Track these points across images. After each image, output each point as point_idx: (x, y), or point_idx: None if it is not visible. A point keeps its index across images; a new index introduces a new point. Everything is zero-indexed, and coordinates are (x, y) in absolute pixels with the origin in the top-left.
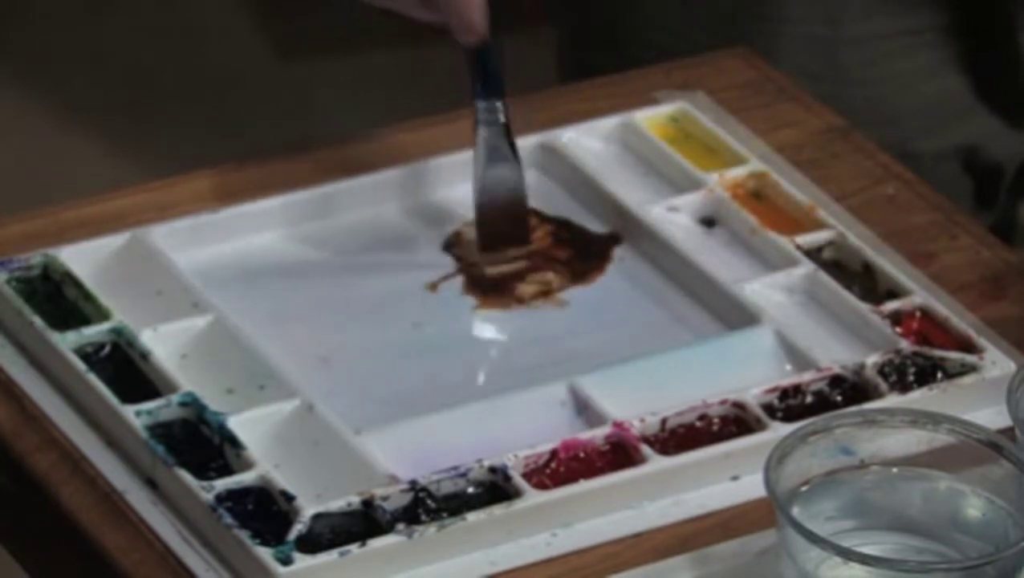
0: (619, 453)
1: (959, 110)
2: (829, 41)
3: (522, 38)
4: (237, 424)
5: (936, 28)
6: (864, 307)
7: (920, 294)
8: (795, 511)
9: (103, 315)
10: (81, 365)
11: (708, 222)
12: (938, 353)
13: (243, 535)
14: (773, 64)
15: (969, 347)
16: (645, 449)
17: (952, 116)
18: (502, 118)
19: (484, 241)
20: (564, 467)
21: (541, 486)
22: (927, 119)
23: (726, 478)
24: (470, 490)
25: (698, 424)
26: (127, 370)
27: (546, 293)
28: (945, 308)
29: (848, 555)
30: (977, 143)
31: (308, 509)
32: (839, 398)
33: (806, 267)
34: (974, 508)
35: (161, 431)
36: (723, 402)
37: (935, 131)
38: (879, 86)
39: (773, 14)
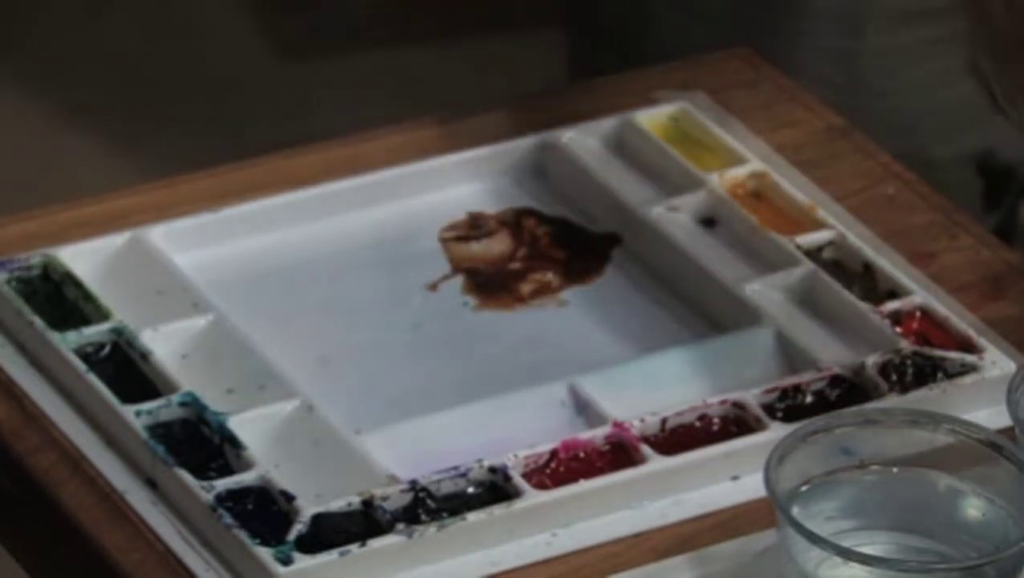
0: (619, 453)
1: (976, 115)
2: (851, 53)
3: (523, 38)
4: (237, 424)
5: (955, 35)
6: (864, 307)
7: (920, 294)
8: (795, 511)
9: (103, 315)
10: (81, 365)
11: (708, 222)
12: (938, 353)
13: (243, 535)
14: (793, 76)
15: (969, 347)
16: (645, 449)
17: (969, 121)
18: None
19: None
20: (564, 467)
21: (541, 486)
22: (945, 125)
23: (726, 478)
24: (470, 490)
25: (698, 424)
26: (127, 370)
27: (546, 293)
28: (945, 308)
29: (848, 555)
30: (992, 147)
31: (308, 509)
32: (839, 398)
33: (806, 267)
34: (974, 508)
35: (161, 431)
36: (723, 402)
37: (953, 137)
38: (898, 95)
39: (794, 27)
